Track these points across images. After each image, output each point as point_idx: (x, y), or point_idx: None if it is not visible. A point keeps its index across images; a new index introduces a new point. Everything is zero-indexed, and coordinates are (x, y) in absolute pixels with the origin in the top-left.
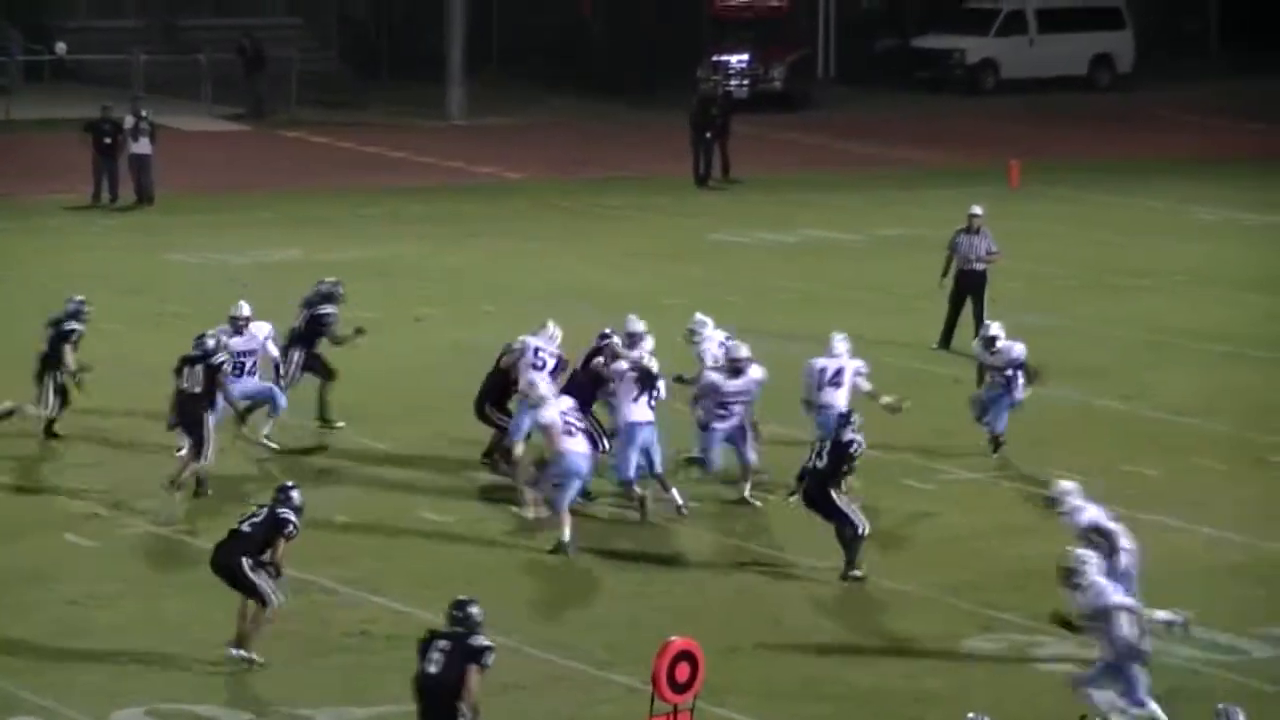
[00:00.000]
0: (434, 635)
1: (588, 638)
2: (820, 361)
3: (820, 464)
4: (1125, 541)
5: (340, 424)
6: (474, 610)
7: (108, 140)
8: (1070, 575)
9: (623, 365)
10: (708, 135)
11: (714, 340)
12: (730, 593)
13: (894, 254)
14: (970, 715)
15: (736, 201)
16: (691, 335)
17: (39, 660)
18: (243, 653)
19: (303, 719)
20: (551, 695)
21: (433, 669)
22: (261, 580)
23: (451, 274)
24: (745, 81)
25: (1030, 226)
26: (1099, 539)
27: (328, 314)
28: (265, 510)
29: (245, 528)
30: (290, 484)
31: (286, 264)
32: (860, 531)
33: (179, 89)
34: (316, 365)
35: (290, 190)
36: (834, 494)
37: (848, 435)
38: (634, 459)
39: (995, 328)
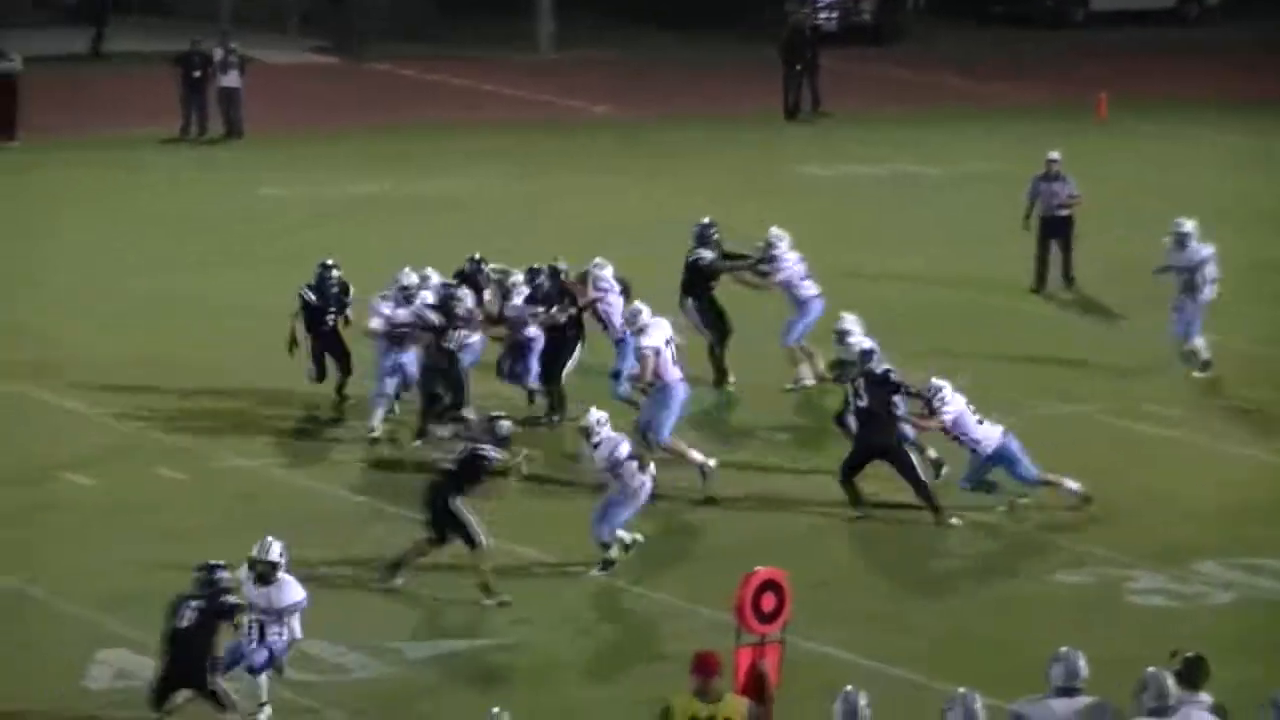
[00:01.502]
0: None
1: (671, 573)
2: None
3: (862, 403)
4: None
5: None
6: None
7: (196, 74)
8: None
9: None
10: (797, 68)
11: (793, 258)
12: (814, 527)
13: (982, 189)
14: (1062, 649)
15: (825, 135)
16: (769, 248)
17: (143, 595)
18: (492, 600)
19: (391, 650)
20: (644, 630)
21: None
22: (469, 519)
23: (538, 208)
24: (834, 14)
25: (1116, 162)
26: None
27: (699, 258)
28: (467, 447)
29: (451, 465)
30: (499, 414)
31: (374, 197)
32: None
33: (267, 22)
34: (709, 318)
35: (378, 123)
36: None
37: (879, 367)
38: (671, 421)
39: (1189, 225)
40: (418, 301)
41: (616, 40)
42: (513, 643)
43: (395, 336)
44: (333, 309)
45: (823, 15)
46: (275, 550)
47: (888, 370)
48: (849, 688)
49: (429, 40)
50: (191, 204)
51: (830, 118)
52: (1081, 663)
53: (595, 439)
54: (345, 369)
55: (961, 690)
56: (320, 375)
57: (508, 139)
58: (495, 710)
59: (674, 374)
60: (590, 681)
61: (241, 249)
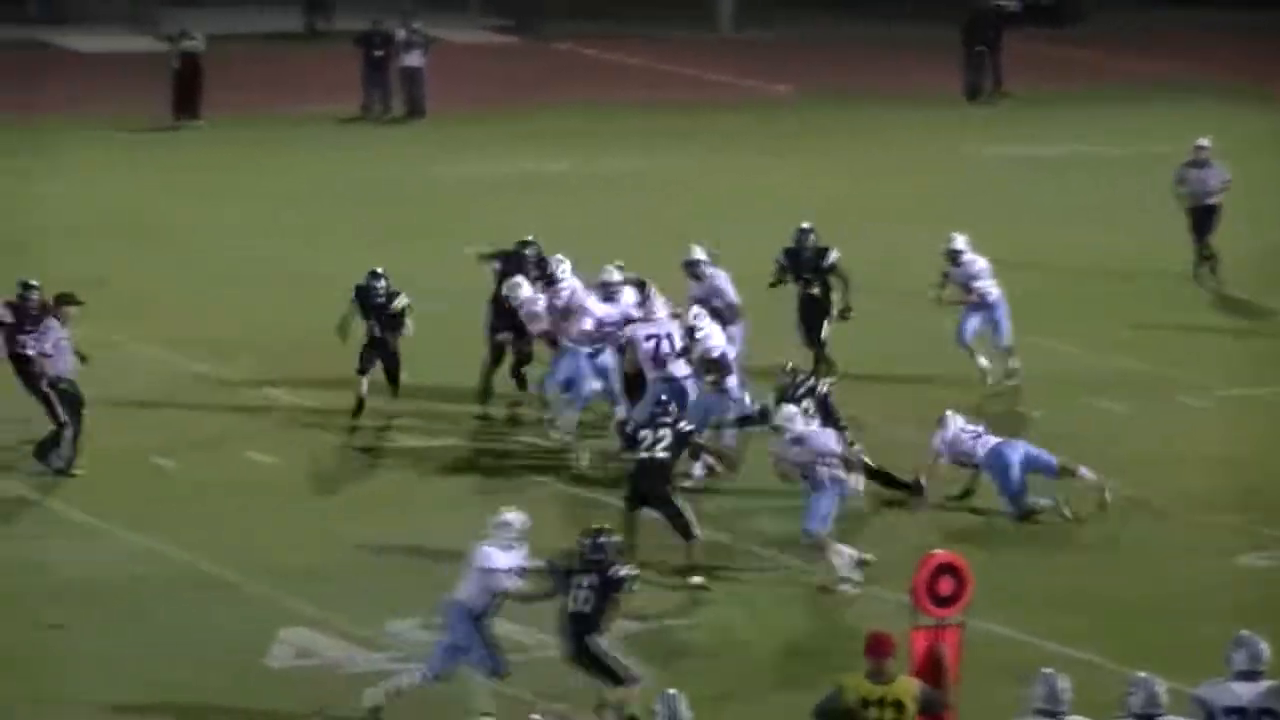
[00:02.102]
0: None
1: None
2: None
3: None
4: None
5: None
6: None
7: (378, 53)
8: None
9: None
10: (979, 49)
11: (980, 261)
12: (987, 516)
13: (1163, 170)
14: (1244, 633)
15: (1006, 115)
16: (955, 255)
17: (310, 570)
18: (696, 580)
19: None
20: (822, 612)
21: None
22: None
23: (717, 186)
24: None
25: None
26: None
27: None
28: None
29: (661, 453)
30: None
31: (555, 176)
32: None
33: (449, 1)
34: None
35: (558, 102)
36: None
37: None
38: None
39: None
40: (620, 300)
41: (796, 20)
42: (692, 623)
43: (599, 337)
44: (374, 320)
45: None
46: (518, 520)
47: None
48: (1047, 670)
49: (610, 19)
50: (369, 182)
51: (1011, 98)
52: (1263, 646)
53: (794, 433)
54: (393, 380)
55: (1143, 674)
56: (363, 369)
57: (686, 118)
58: (672, 692)
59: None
60: (767, 663)
61: (419, 226)
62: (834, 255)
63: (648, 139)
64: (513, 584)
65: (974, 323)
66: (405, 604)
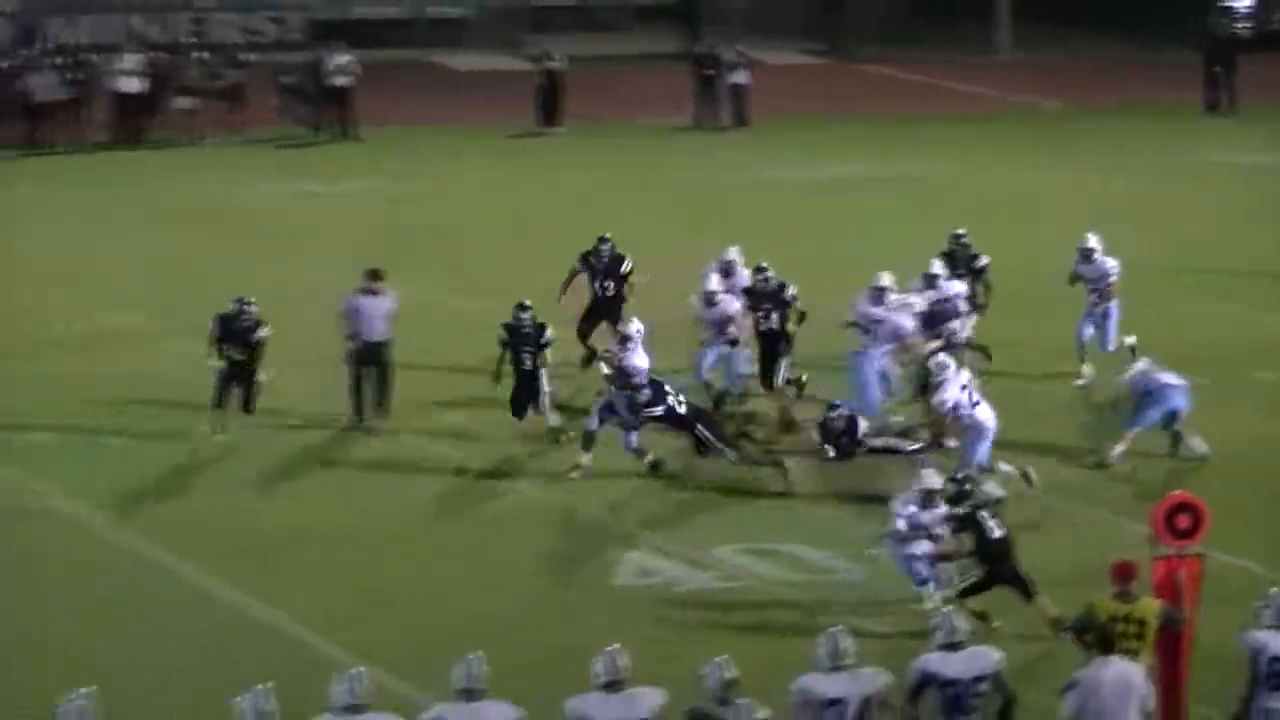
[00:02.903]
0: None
1: (1106, 494)
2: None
3: None
4: None
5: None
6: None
7: (709, 72)
8: None
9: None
10: (1217, 70)
11: (1110, 261)
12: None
13: None
14: None
15: (1240, 127)
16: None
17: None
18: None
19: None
20: (1075, 542)
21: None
22: None
23: (987, 188)
24: (1250, 23)
25: None
26: None
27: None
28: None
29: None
30: None
31: (852, 178)
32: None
33: (771, 27)
34: None
35: (860, 114)
36: None
37: None
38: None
39: None
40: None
41: (1069, 42)
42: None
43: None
44: (529, 348)
45: (1240, 24)
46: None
47: None
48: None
49: (906, 43)
50: (701, 182)
51: (1243, 114)
52: None
53: (942, 377)
54: (537, 407)
55: None
56: (519, 413)
57: (964, 129)
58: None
59: None
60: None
61: (741, 220)
62: (984, 260)
63: (934, 146)
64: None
65: (1090, 326)
66: (727, 533)
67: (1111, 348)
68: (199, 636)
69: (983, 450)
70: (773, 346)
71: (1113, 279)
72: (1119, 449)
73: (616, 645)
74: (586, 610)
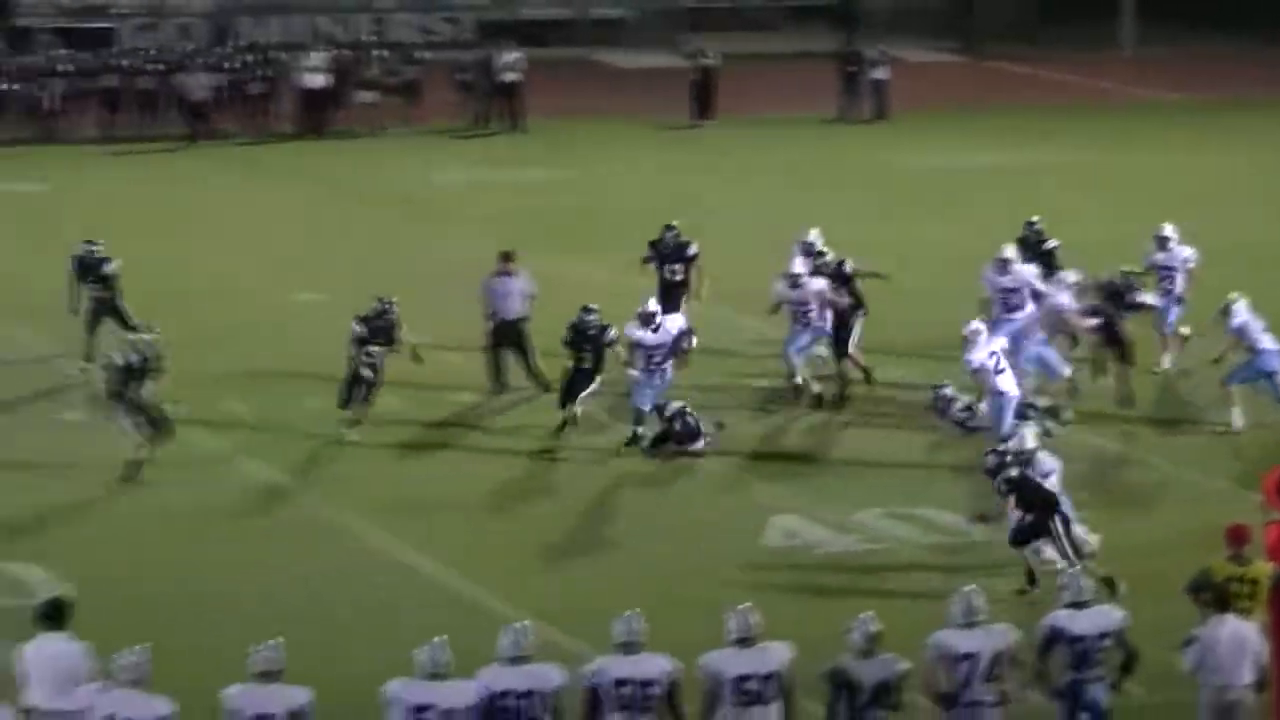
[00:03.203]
0: None
1: (1219, 464)
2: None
3: None
4: None
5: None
6: None
7: (851, 69)
8: None
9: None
10: None
11: (1185, 250)
12: None
13: None
14: None
15: None
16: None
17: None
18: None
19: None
20: (1190, 509)
21: None
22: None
23: (1109, 176)
24: None
25: None
26: None
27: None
28: None
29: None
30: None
31: (979, 166)
32: None
33: (910, 27)
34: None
35: (991, 108)
36: None
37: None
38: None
39: None
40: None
41: (1193, 39)
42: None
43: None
44: (590, 348)
45: None
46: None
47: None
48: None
49: (1036, 42)
50: (845, 167)
51: None
52: None
53: (973, 340)
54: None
55: None
56: (563, 403)
57: (1087, 121)
58: (1072, 570)
59: None
60: (1146, 555)
61: (883, 206)
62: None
63: (1061, 137)
64: None
65: (1164, 306)
66: (867, 499)
67: (1169, 331)
68: (376, 592)
69: (1007, 418)
70: (843, 320)
71: (1190, 265)
72: (1236, 411)
73: (748, 604)
74: (737, 569)
